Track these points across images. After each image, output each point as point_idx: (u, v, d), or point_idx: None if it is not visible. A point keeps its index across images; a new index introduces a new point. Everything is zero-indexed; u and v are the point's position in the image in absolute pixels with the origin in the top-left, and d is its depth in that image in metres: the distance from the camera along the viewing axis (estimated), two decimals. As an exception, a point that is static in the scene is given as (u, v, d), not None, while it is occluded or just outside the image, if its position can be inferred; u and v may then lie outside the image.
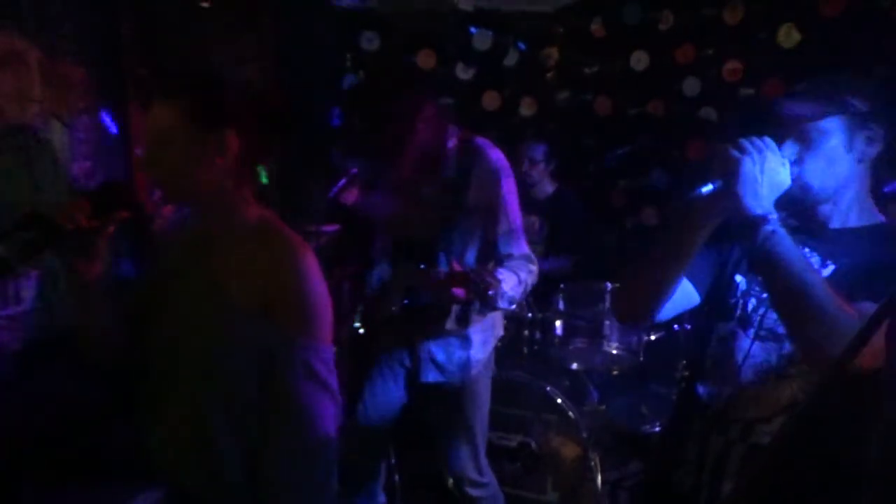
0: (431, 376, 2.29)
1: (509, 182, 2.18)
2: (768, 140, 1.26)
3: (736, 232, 1.35)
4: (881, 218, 1.38)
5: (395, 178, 2.29)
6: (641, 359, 3.06)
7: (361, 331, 3.42)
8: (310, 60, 4.03)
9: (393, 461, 2.72)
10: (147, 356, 1.40)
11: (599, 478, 2.85)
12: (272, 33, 4.04)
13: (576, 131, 4.17)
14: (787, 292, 1.22)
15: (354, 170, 3.09)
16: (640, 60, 3.94)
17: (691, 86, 3.84)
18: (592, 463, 2.84)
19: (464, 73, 4.15)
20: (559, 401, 2.84)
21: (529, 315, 3.16)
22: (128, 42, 2.96)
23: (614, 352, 3.10)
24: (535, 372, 2.98)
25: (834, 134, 1.31)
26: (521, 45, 4.14)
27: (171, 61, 3.04)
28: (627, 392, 3.29)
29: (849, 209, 1.36)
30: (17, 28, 2.48)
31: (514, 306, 2.30)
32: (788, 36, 3.57)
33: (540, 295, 3.24)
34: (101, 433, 2.35)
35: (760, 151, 1.24)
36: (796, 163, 1.31)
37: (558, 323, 3.17)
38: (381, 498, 2.56)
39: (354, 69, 4.20)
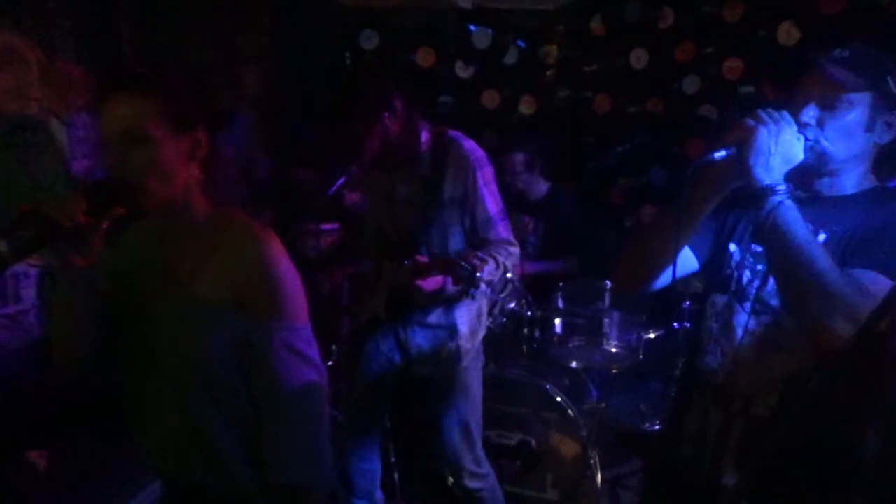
0: (422, 370, 2.30)
1: (485, 171, 2.19)
2: (786, 113, 1.26)
3: (742, 201, 1.35)
4: (876, 184, 1.37)
5: (370, 176, 2.30)
6: (641, 357, 3.06)
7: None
8: (309, 59, 4.03)
9: (392, 460, 2.72)
10: (123, 358, 1.39)
11: (599, 476, 2.85)
12: (271, 31, 4.04)
13: (575, 129, 4.17)
14: (790, 265, 1.22)
15: (354, 168, 3.10)
16: (639, 58, 3.94)
17: (691, 84, 3.84)
18: (592, 461, 2.85)
19: (463, 71, 4.14)
20: (558, 399, 2.84)
21: (529, 313, 3.16)
22: (126, 40, 2.96)
23: (614, 350, 3.10)
24: (534, 370, 2.98)
25: (859, 109, 1.29)
26: (521, 44, 4.13)
27: (168, 59, 3.04)
28: (627, 390, 3.30)
29: (847, 181, 1.35)
30: (17, 26, 2.48)
31: (488, 289, 2.31)
32: (789, 34, 3.56)
33: (539, 293, 3.24)
34: (99, 431, 2.35)
35: (777, 123, 1.24)
36: (817, 125, 1.29)
37: (558, 321, 3.17)
38: (379, 495, 2.56)
39: (353, 67, 4.19)
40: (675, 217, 1.36)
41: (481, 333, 2.36)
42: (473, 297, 2.24)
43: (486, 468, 2.40)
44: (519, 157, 3.54)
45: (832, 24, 3.45)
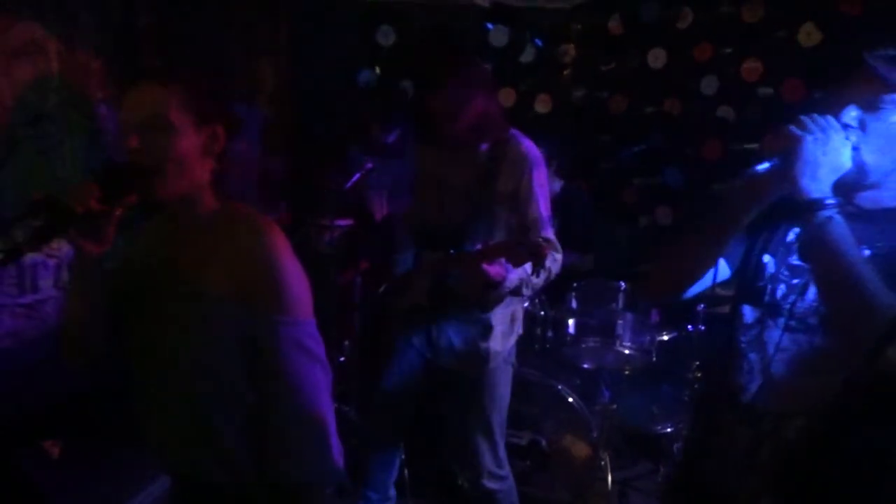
0: (449, 362, 2.28)
1: (539, 172, 2.18)
2: (831, 119, 1.21)
3: (783, 211, 1.30)
4: None
5: (423, 162, 2.28)
6: (654, 359, 3.05)
7: (373, 324, 3.41)
8: (325, 54, 4.04)
9: (403, 457, 2.72)
10: (128, 351, 1.39)
11: (609, 477, 2.84)
12: (288, 26, 4.05)
13: (591, 129, 4.15)
14: (839, 285, 1.16)
15: (370, 164, 3.10)
16: (657, 58, 3.91)
17: (709, 84, 3.81)
18: (603, 462, 2.83)
19: (479, 68, 4.13)
20: (570, 399, 2.83)
21: (542, 313, 3.15)
22: (145, 33, 2.98)
23: (626, 351, 3.09)
24: (546, 370, 2.97)
25: None
26: (538, 42, 4.12)
27: (186, 52, 3.06)
28: (639, 392, 3.28)
29: (889, 192, 1.28)
30: (37, 18, 2.50)
31: (528, 291, 2.28)
32: (809, 35, 3.52)
33: (553, 293, 3.23)
34: (113, 421, 2.37)
35: (824, 130, 1.18)
36: (859, 127, 1.23)
37: (571, 321, 3.16)
38: (392, 492, 2.56)
39: (370, 64, 4.20)
40: (716, 227, 1.31)
41: (514, 338, 2.34)
42: (523, 295, 2.22)
43: (506, 470, 2.38)
44: (543, 148, 3.51)
45: (853, 26, 3.41)
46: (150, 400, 1.39)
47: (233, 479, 1.37)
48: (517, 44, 4.09)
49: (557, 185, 3.62)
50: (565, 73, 4.16)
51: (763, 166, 1.21)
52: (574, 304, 3.18)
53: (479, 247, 2.04)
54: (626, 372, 3.10)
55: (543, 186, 2.19)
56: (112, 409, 2.29)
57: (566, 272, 3.37)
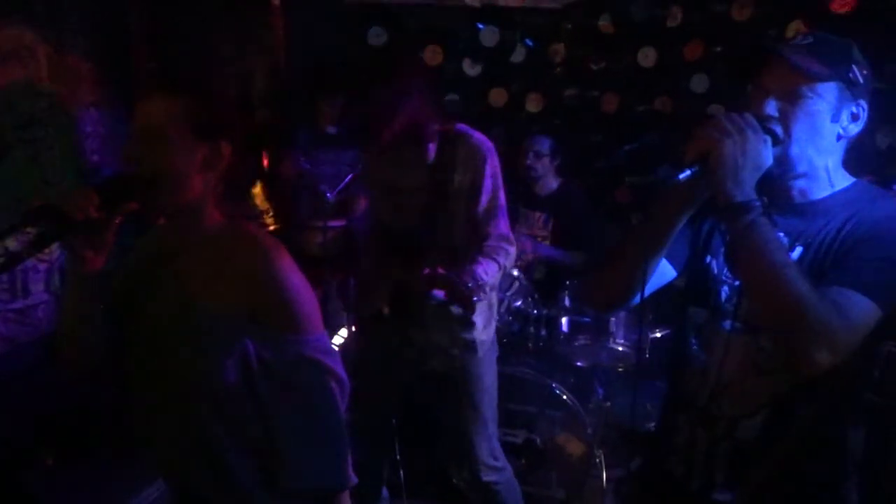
0: (437, 363, 2.28)
1: (493, 162, 2.19)
2: (748, 116, 1.17)
3: (714, 214, 1.28)
4: (851, 181, 1.29)
5: (375, 166, 2.29)
6: (647, 356, 3.06)
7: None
8: (317, 55, 4.04)
9: (397, 457, 2.73)
10: (128, 362, 1.39)
11: (604, 474, 2.85)
12: (280, 27, 4.05)
13: (583, 128, 4.16)
14: (765, 289, 1.14)
15: (364, 154, 3.10)
16: (647, 57, 3.93)
17: (699, 82, 3.83)
18: (597, 460, 2.84)
19: (471, 69, 4.14)
20: (564, 397, 2.84)
21: (535, 311, 3.15)
22: (136, 36, 2.97)
23: (620, 349, 3.10)
24: (540, 368, 2.98)
25: (825, 99, 1.20)
26: (529, 42, 4.13)
27: (178, 56, 3.05)
28: (633, 389, 3.29)
29: (819, 182, 1.27)
30: (27, 22, 2.50)
31: (493, 291, 2.30)
32: (798, 33, 3.54)
33: (546, 291, 3.24)
34: (106, 427, 2.36)
35: (741, 131, 1.15)
36: (779, 120, 1.20)
37: (564, 319, 3.17)
38: (384, 493, 2.56)
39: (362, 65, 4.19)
40: (645, 236, 1.29)
41: (494, 323, 2.35)
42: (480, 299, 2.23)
43: (503, 461, 2.39)
44: (548, 141, 3.53)
45: (842, 23, 3.44)
46: (147, 411, 1.39)
47: (231, 494, 1.36)
48: (508, 44, 4.10)
49: (555, 182, 3.64)
50: (556, 72, 4.17)
51: (685, 174, 1.16)
52: (567, 301, 3.19)
53: (426, 271, 2.02)
54: (620, 369, 3.11)
55: (497, 177, 2.19)
56: (108, 416, 2.29)
57: (560, 270, 3.40)
